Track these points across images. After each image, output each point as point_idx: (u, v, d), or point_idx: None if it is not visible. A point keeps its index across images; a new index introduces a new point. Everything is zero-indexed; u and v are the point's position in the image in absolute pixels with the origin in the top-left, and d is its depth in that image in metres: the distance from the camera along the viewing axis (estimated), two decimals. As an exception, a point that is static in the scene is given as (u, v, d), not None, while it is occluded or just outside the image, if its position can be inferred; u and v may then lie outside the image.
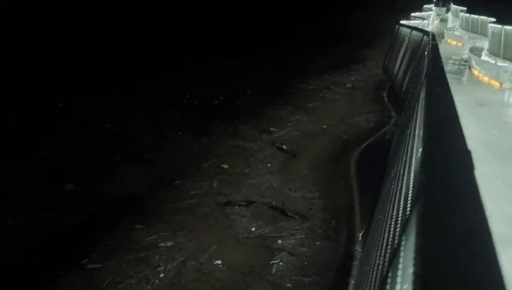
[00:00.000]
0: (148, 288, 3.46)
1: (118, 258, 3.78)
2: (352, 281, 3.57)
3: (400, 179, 2.41)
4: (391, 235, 1.88)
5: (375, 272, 1.96)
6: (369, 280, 2.04)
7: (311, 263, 3.83)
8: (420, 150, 1.80)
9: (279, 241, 4.17)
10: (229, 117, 7.80)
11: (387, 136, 7.46)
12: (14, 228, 4.02)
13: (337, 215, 4.78)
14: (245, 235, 4.26)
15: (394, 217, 2.02)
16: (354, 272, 3.71)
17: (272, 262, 3.84)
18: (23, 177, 4.91)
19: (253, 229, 4.36)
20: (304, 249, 4.04)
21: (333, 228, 4.50)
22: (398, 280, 1.28)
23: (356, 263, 3.88)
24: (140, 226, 4.24)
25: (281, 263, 3.85)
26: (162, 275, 3.63)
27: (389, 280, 1.49)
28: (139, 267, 3.70)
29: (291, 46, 18.93)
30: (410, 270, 0.95)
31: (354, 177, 5.79)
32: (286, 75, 11.34)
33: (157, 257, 3.85)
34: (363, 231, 4.33)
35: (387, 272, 1.57)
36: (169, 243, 4.05)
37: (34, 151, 5.52)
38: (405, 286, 1.09)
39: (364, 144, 7.15)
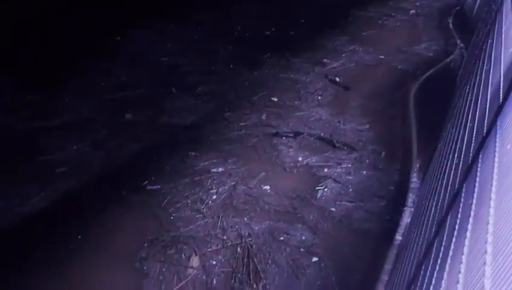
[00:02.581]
0: (202, 207, 3.79)
1: (174, 181, 4.13)
2: (403, 208, 3.64)
3: (474, 102, 2.31)
4: (463, 154, 1.83)
5: (442, 194, 1.96)
6: (437, 199, 2.03)
7: (355, 190, 3.92)
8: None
9: (325, 169, 4.26)
10: (281, 49, 7.62)
11: (452, 66, 6.92)
12: (80, 153, 4.48)
13: (388, 148, 4.71)
14: (292, 164, 4.40)
15: (467, 139, 1.96)
16: (399, 199, 3.76)
17: (317, 188, 3.98)
18: (86, 107, 5.35)
19: (299, 158, 4.47)
20: (349, 177, 4.11)
21: (382, 159, 4.47)
22: (474, 195, 1.28)
23: (404, 192, 3.90)
24: (194, 154, 4.54)
25: (325, 189, 3.98)
26: (214, 197, 3.94)
27: (463, 195, 1.49)
28: (194, 189, 4.03)
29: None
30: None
31: (412, 110, 5.55)
32: (344, 1, 10.57)
33: (209, 181, 4.15)
34: (418, 164, 4.27)
35: (460, 187, 1.57)
36: (220, 169, 4.31)
37: (94, 82, 5.93)
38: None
39: (425, 75, 6.71)
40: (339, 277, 3.10)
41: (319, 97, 6.03)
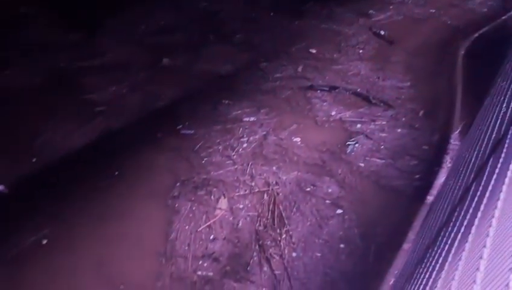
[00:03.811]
0: (233, 154, 3.88)
1: (207, 127, 4.22)
2: (437, 168, 3.56)
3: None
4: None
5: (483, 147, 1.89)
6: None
7: (387, 148, 3.85)
8: None
9: (358, 125, 4.19)
10: (325, -2, 7.24)
11: (508, 25, 6.35)
12: (118, 94, 4.63)
13: (428, 108, 4.53)
14: (324, 118, 4.35)
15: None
16: (434, 159, 3.66)
17: (347, 143, 3.94)
18: (125, 49, 5.44)
19: (333, 113, 4.40)
20: (382, 134, 4.02)
21: (420, 118, 4.31)
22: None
23: (440, 152, 3.80)
24: (227, 102, 4.57)
25: (356, 145, 3.93)
26: (245, 145, 4.01)
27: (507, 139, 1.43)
28: (226, 136, 4.11)
29: None
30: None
31: (460, 70, 5.23)
32: None
33: (241, 129, 4.20)
34: (459, 127, 4.09)
35: (506, 131, 1.51)
36: (252, 119, 4.34)
37: (134, 25, 5.96)
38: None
39: (478, 33, 6.22)
40: (362, 230, 3.14)
41: (360, 51, 5.78)
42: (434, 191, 3.41)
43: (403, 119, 4.26)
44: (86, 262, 2.84)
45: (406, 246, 2.99)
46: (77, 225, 3.13)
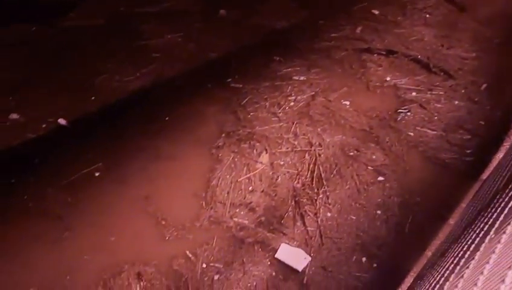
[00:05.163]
0: (279, 111, 3.89)
1: (256, 83, 4.23)
2: (494, 147, 3.37)
3: None
4: None
5: None
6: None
7: (441, 119, 3.66)
8: None
9: (413, 93, 3.99)
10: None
11: None
12: (173, 42, 4.72)
13: (492, 82, 4.20)
14: (377, 83, 4.18)
15: None
16: (490, 136, 3.45)
17: (399, 110, 3.80)
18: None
19: (387, 78, 4.21)
20: (438, 105, 3.81)
21: (481, 92, 4.02)
22: None
23: (498, 130, 3.57)
24: (278, 58, 4.52)
25: (408, 113, 3.78)
26: (292, 103, 3.99)
27: None
28: (274, 93, 4.10)
29: None
30: None
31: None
32: None
33: (290, 87, 4.17)
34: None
35: None
36: (302, 78, 4.28)
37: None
38: None
39: None
40: (401, 199, 3.09)
41: (427, 15, 5.39)
42: (486, 170, 3.24)
43: (462, 91, 4.00)
44: (133, 196, 3.07)
45: (448, 221, 2.91)
46: (128, 161, 3.36)
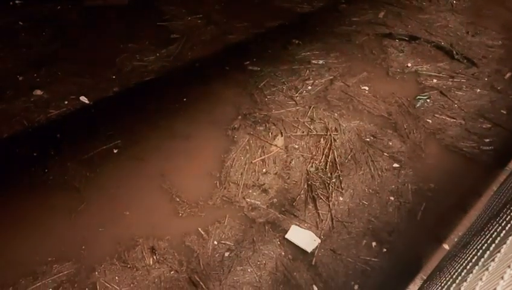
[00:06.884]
0: (296, 95, 3.88)
1: (274, 66, 4.22)
2: None
3: None
4: None
5: None
6: None
7: (461, 107, 3.58)
8: None
9: (434, 80, 3.91)
10: None
11: None
12: (193, 24, 4.73)
13: (518, 71, 4.06)
14: (398, 69, 4.11)
15: None
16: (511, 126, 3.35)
17: (418, 97, 3.73)
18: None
19: (408, 64, 4.13)
20: (459, 92, 3.72)
21: (504, 81, 3.90)
22: None
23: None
24: (297, 41, 4.48)
25: (428, 100, 3.71)
26: (309, 87, 3.97)
27: None
28: (291, 77, 4.09)
29: None
30: None
31: None
32: None
33: (308, 71, 4.15)
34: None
35: None
36: (321, 62, 4.24)
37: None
38: None
39: None
40: (416, 187, 3.06)
41: (454, 1, 5.22)
42: (506, 160, 3.16)
43: (485, 79, 3.88)
44: (150, 173, 3.15)
45: (469, 213, 2.87)
46: (146, 139, 3.43)
